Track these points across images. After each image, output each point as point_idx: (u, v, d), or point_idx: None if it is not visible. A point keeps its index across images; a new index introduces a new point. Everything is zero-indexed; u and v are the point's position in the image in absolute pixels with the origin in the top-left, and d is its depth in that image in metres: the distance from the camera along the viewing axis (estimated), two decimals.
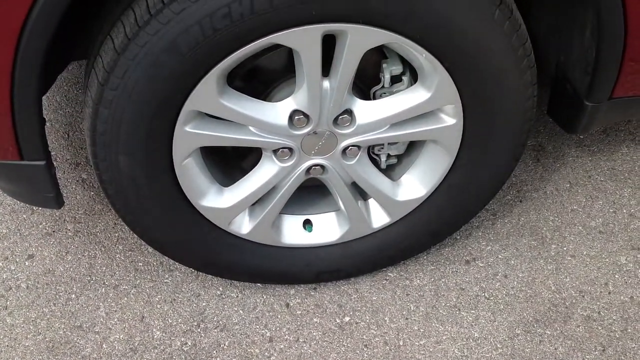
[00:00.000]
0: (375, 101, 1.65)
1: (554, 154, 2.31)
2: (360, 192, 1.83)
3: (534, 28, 1.69)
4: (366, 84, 1.66)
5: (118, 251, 2.05)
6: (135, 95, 1.46)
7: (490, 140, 1.71)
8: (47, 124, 2.33)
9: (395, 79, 1.64)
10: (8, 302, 1.93)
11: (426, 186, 1.80)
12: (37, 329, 1.88)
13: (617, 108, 1.75)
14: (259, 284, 1.98)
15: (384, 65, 1.62)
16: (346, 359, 1.84)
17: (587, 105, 1.72)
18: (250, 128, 1.60)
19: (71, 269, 2.00)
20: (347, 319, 1.92)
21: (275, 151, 1.66)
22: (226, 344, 1.87)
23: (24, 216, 2.12)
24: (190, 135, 1.56)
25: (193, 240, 1.79)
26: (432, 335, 1.89)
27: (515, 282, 1.99)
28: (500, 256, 2.05)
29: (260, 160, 1.70)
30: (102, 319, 1.90)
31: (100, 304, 1.93)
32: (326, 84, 1.55)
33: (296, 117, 1.59)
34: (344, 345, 1.87)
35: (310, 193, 1.88)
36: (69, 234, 2.09)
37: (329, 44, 1.49)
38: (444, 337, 1.88)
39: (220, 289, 1.97)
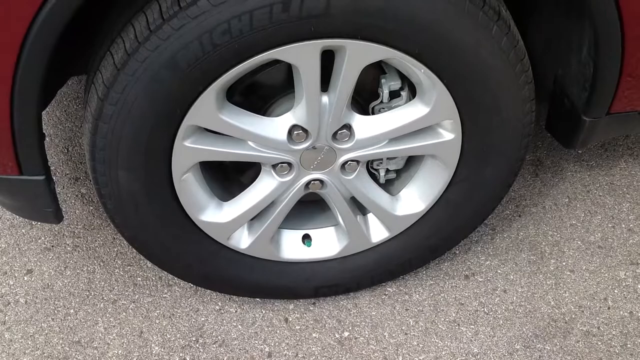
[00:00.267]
0: (374, 116, 1.65)
1: (553, 169, 2.31)
2: (359, 207, 1.83)
3: (531, 44, 1.70)
4: (365, 99, 1.67)
5: (117, 266, 2.05)
6: (134, 110, 1.46)
7: (488, 155, 1.71)
8: (47, 138, 2.33)
9: (394, 94, 1.65)
10: (6, 317, 1.93)
11: (425, 201, 1.80)
12: (35, 344, 1.88)
13: (615, 123, 1.76)
14: (257, 299, 1.97)
15: (383, 81, 1.63)
16: None
17: (585, 121, 1.72)
18: (250, 143, 1.60)
19: (70, 284, 2.00)
20: (346, 334, 1.92)
21: (274, 166, 1.67)
22: (225, 359, 1.86)
23: (23, 231, 2.12)
24: (189, 150, 1.56)
25: (192, 255, 1.79)
26: (431, 350, 1.88)
27: (514, 297, 1.99)
28: (499, 271, 2.05)
29: (260, 175, 1.70)
30: (100, 334, 1.90)
31: (99, 319, 1.93)
32: (325, 99, 1.55)
33: (295, 132, 1.59)
34: None
35: (309, 208, 1.88)
36: (68, 248, 2.08)
37: (328, 59, 1.50)
38: (443, 353, 1.88)
39: (219, 304, 1.97)
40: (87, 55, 1.63)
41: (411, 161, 1.82)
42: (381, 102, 1.65)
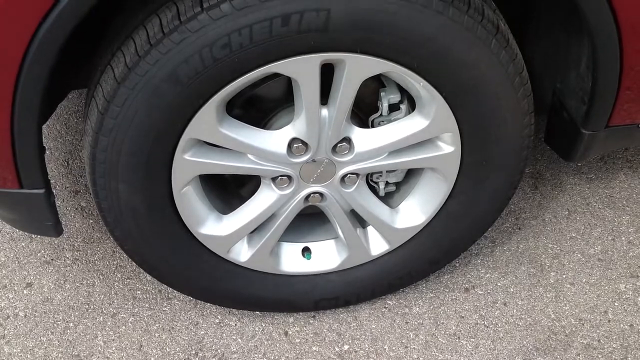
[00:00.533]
0: (373, 129, 1.66)
1: (552, 182, 2.32)
2: (359, 220, 1.84)
3: (530, 57, 1.71)
4: (364, 112, 1.68)
5: (116, 279, 2.04)
6: (135, 123, 1.47)
7: (488, 167, 1.72)
8: (47, 152, 2.33)
9: (394, 107, 1.65)
10: (6, 331, 1.92)
11: (425, 214, 1.80)
12: (34, 358, 1.87)
13: (614, 136, 1.76)
14: (257, 312, 1.97)
15: (382, 94, 1.63)
16: None
17: (584, 134, 1.73)
18: (249, 156, 1.61)
19: (69, 297, 2.00)
20: (346, 347, 1.91)
21: (274, 179, 1.67)
22: None
23: (23, 244, 2.12)
24: (189, 163, 1.56)
25: (191, 268, 1.79)
26: None
27: (514, 310, 1.98)
28: (499, 284, 2.05)
29: (259, 188, 1.70)
30: (99, 348, 1.90)
31: (98, 332, 1.93)
32: (325, 112, 1.56)
33: (295, 145, 1.60)
34: None
35: (309, 220, 1.88)
36: (68, 262, 2.08)
37: (328, 72, 1.50)
38: None
39: (219, 317, 1.97)
40: (88, 69, 1.63)
41: (411, 174, 1.82)
42: (381, 115, 1.66)
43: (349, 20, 1.39)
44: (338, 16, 1.38)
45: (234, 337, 1.93)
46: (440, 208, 1.79)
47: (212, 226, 1.72)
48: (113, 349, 1.89)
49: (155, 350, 1.89)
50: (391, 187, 1.82)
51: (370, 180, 1.78)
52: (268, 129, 1.65)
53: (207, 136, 1.54)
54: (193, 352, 1.89)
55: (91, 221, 2.18)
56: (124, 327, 1.94)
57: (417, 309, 1.99)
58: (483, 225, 1.89)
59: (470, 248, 2.03)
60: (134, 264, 1.83)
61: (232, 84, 1.45)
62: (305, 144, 1.60)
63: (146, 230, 1.67)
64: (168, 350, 1.90)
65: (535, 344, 1.91)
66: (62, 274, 2.05)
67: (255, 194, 1.71)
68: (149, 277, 2.03)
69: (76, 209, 2.22)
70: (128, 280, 2.04)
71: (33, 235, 2.13)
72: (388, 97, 1.63)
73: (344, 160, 1.65)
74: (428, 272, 1.98)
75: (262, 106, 1.64)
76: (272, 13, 1.36)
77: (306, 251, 1.88)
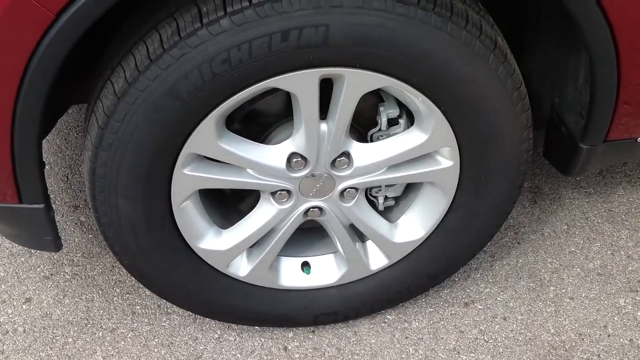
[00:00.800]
0: (372, 144, 1.66)
1: (551, 196, 2.32)
2: (358, 234, 1.84)
3: (528, 72, 1.71)
4: (363, 126, 1.68)
5: (115, 294, 2.04)
6: (134, 138, 1.47)
7: (486, 182, 1.72)
8: (47, 166, 2.34)
9: (392, 122, 1.66)
10: (5, 346, 1.92)
11: (424, 228, 1.81)
12: None
13: (612, 150, 1.77)
14: (256, 327, 1.96)
15: (381, 108, 1.64)
16: None
17: (582, 148, 1.73)
18: (249, 170, 1.61)
19: (68, 313, 2.00)
20: None
21: (273, 193, 1.67)
22: None
23: (22, 259, 2.12)
24: (188, 178, 1.57)
25: (191, 282, 1.79)
26: None
27: (514, 325, 1.98)
28: (499, 298, 2.04)
29: (259, 203, 1.71)
30: None
31: (97, 348, 1.92)
32: (324, 126, 1.56)
33: (294, 160, 1.60)
34: None
35: (308, 235, 1.88)
36: (67, 277, 2.08)
37: (327, 87, 1.51)
38: None
39: (218, 332, 1.96)
40: (88, 84, 1.64)
41: (410, 188, 1.83)
42: (379, 129, 1.66)
43: (347, 36, 1.40)
44: (337, 31, 1.39)
45: (233, 352, 1.92)
46: (440, 222, 1.79)
47: (212, 241, 1.72)
48: None
49: None
50: (390, 201, 1.82)
51: (370, 194, 1.79)
52: (267, 143, 1.65)
53: (207, 151, 1.54)
54: None
55: (90, 236, 2.18)
56: (123, 342, 1.93)
57: (417, 323, 1.99)
58: (482, 239, 1.89)
59: (469, 262, 2.03)
60: (133, 278, 1.83)
61: (231, 99, 1.45)
62: (304, 158, 1.60)
63: (145, 245, 1.67)
64: None
65: (535, 358, 1.91)
66: (62, 289, 2.05)
67: (255, 208, 1.71)
68: (148, 292, 2.02)
69: (75, 223, 2.22)
70: (127, 295, 2.04)
71: (32, 250, 2.13)
72: (387, 112, 1.64)
73: (343, 174, 1.66)
74: (427, 287, 1.98)
75: (262, 121, 1.64)
76: (272, 29, 1.37)
77: (305, 266, 1.88)
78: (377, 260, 1.86)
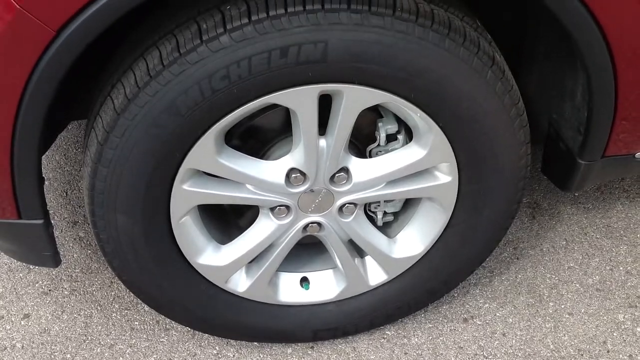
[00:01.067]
0: (371, 159, 1.67)
1: (550, 212, 2.32)
2: (357, 250, 1.84)
3: (526, 88, 1.72)
4: (362, 142, 1.69)
5: (114, 310, 2.04)
6: (134, 154, 1.47)
7: (485, 197, 1.72)
8: (46, 182, 2.34)
9: (391, 138, 1.66)
10: None
11: (423, 243, 1.81)
12: None
13: (610, 166, 1.77)
14: (255, 343, 1.96)
15: (380, 124, 1.64)
16: None
17: (580, 164, 1.74)
18: (248, 186, 1.61)
19: (67, 328, 1.99)
20: None
21: (272, 209, 1.67)
22: None
23: (21, 275, 2.12)
24: (188, 193, 1.57)
25: (190, 298, 1.78)
26: None
27: (513, 341, 1.98)
28: (498, 314, 2.04)
29: (258, 218, 1.71)
30: None
31: None
32: (323, 142, 1.57)
33: (293, 175, 1.60)
34: None
35: (307, 250, 1.88)
36: (65, 292, 2.08)
37: (326, 103, 1.52)
38: None
39: (217, 348, 1.96)
40: (88, 100, 1.65)
41: (408, 204, 1.83)
42: (378, 145, 1.67)
43: (346, 52, 1.41)
44: (335, 48, 1.40)
45: None
46: (438, 238, 1.80)
47: (211, 256, 1.72)
48: None
49: None
50: (389, 216, 1.83)
51: (368, 210, 1.79)
52: (266, 159, 1.65)
53: (206, 166, 1.55)
54: None
55: (89, 252, 2.18)
56: (121, 358, 1.93)
57: (416, 339, 1.98)
58: (481, 255, 1.89)
59: (468, 278, 2.03)
60: (132, 294, 1.83)
61: (230, 114, 1.46)
62: (303, 174, 1.60)
63: (144, 261, 1.67)
64: None
65: None
66: (60, 305, 2.04)
67: (254, 223, 1.72)
68: (146, 308, 2.02)
69: (74, 239, 2.22)
70: (126, 311, 2.03)
71: (31, 266, 2.13)
72: (385, 128, 1.64)
73: (342, 190, 1.66)
74: (427, 302, 1.98)
75: (261, 136, 1.65)
76: (271, 45, 1.38)
77: (304, 281, 1.88)
78: (376, 275, 1.86)
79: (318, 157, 1.58)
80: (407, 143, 1.65)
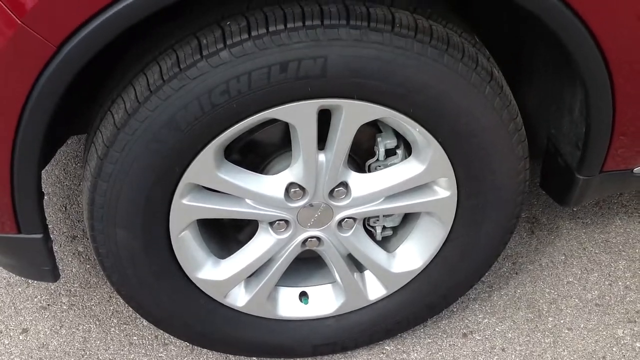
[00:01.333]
0: (370, 174, 1.67)
1: (548, 226, 2.32)
2: (356, 264, 1.84)
3: (524, 103, 1.73)
4: (361, 157, 1.69)
5: (113, 324, 2.03)
6: (134, 169, 1.48)
7: (484, 212, 1.73)
8: (45, 197, 2.34)
9: (390, 152, 1.67)
10: None
11: (422, 258, 1.81)
12: None
13: (609, 181, 1.78)
14: (254, 358, 1.95)
15: (379, 139, 1.65)
16: None
17: (578, 179, 1.74)
18: (247, 200, 1.61)
19: (65, 343, 1.98)
20: None
21: (271, 223, 1.68)
22: None
23: (19, 289, 2.11)
24: (187, 208, 1.57)
25: (189, 313, 1.78)
26: None
27: (513, 356, 1.97)
28: (497, 329, 2.04)
29: (257, 233, 1.71)
30: None
31: None
32: (322, 157, 1.57)
33: (292, 190, 1.61)
34: None
35: (306, 265, 1.88)
36: (64, 307, 2.07)
37: (325, 118, 1.52)
38: None
39: None
40: (88, 115, 1.65)
41: (407, 218, 1.83)
42: (377, 160, 1.67)
43: (345, 68, 1.41)
44: (335, 63, 1.41)
45: None
46: (437, 252, 1.80)
47: (210, 271, 1.72)
48: None
49: None
50: (388, 231, 1.83)
51: (367, 224, 1.79)
52: (266, 173, 1.66)
53: (206, 181, 1.55)
54: None
55: (88, 266, 2.18)
56: None
57: (415, 354, 1.98)
58: (480, 269, 1.89)
59: (467, 293, 2.02)
60: (131, 309, 1.82)
61: (230, 129, 1.47)
62: (302, 188, 1.61)
63: (144, 275, 1.67)
64: None
65: None
66: (58, 320, 2.04)
67: (253, 238, 1.72)
68: (145, 323, 2.02)
69: (73, 254, 2.22)
70: (124, 326, 2.03)
71: (30, 280, 2.12)
72: (384, 142, 1.65)
73: (341, 204, 1.66)
74: (426, 317, 1.97)
75: (260, 151, 1.65)
76: (271, 60, 1.39)
77: (303, 296, 1.88)
78: (375, 290, 1.85)
79: (317, 171, 1.58)
80: (406, 158, 1.66)
